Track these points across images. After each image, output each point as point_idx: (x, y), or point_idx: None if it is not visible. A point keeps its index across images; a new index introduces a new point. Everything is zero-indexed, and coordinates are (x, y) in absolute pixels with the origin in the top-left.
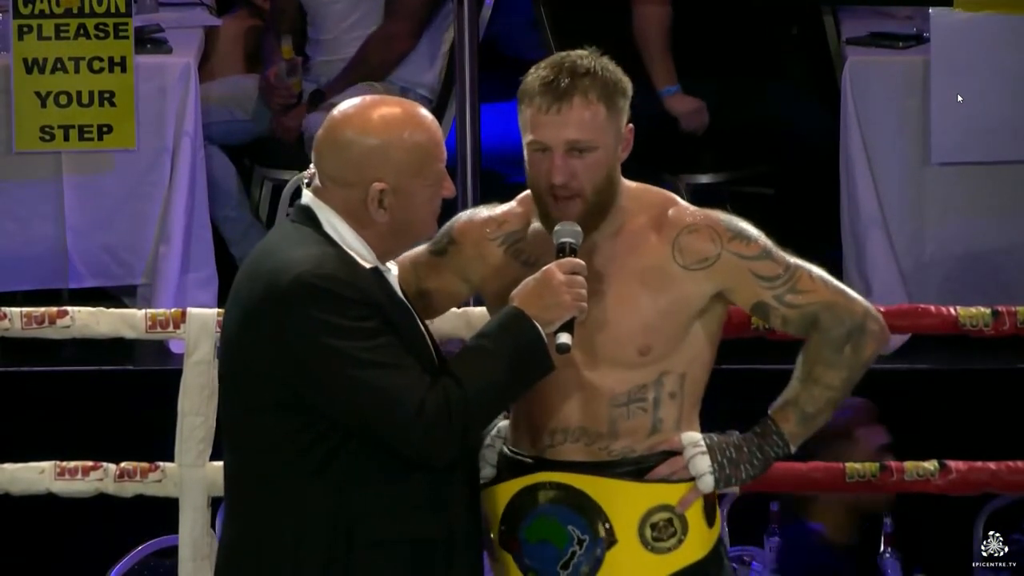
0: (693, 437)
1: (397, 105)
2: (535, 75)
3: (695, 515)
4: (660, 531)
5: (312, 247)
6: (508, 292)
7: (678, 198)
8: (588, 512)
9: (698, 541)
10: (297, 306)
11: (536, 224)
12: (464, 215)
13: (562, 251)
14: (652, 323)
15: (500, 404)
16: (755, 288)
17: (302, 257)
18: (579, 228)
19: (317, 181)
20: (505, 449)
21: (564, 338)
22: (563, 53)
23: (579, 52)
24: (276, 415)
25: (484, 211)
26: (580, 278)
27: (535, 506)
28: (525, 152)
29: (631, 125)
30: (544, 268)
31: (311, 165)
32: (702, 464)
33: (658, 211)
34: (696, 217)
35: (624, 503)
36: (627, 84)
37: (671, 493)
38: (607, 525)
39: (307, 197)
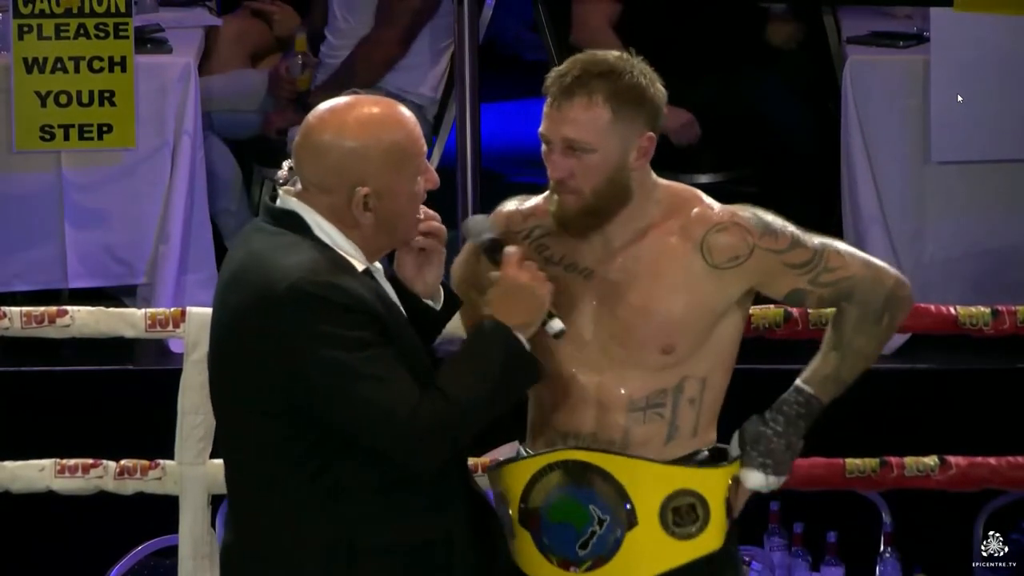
0: (754, 480)
1: (373, 104)
2: (556, 68)
3: (717, 503)
4: (682, 516)
5: (304, 253)
6: None
7: (701, 194)
8: (610, 492)
9: (718, 530)
10: (293, 314)
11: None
12: (502, 206)
13: (492, 249)
14: (676, 321)
15: (489, 414)
16: (789, 278)
17: (296, 263)
18: (482, 216)
19: (299, 185)
20: (522, 450)
21: (556, 324)
22: (594, 51)
23: (610, 52)
24: (273, 421)
25: (515, 203)
26: (532, 263)
27: (557, 485)
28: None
29: (652, 134)
30: (501, 277)
31: (284, 164)
32: (756, 479)
33: (683, 210)
34: (723, 216)
35: (647, 484)
36: (652, 93)
37: (695, 478)
38: (628, 506)
39: (291, 202)
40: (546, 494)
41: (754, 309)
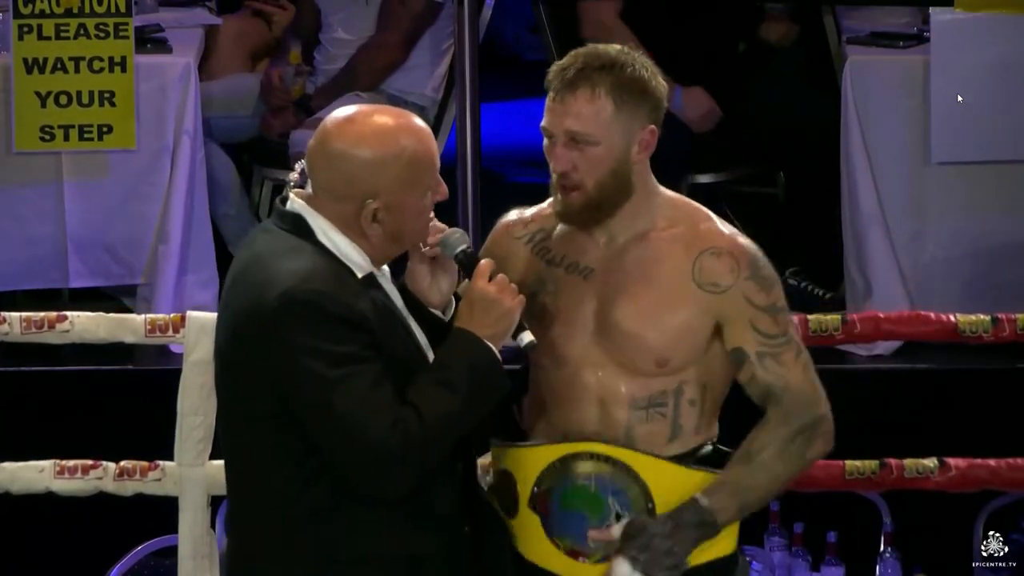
0: (619, 570)
1: (390, 116)
2: (557, 62)
3: None
4: None
5: (303, 259)
6: (534, 291)
7: (715, 217)
8: (633, 488)
9: (731, 534)
10: (281, 323)
11: (561, 223)
12: (504, 217)
13: (465, 262)
14: (670, 338)
15: (458, 431)
16: (746, 335)
17: (291, 271)
18: (460, 232)
19: (309, 189)
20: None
21: (526, 336)
22: (594, 45)
23: (610, 46)
24: (268, 426)
25: (515, 213)
26: (502, 276)
27: (577, 473)
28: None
29: (653, 127)
30: (470, 289)
31: (296, 166)
32: (622, 570)
33: (690, 224)
34: (723, 241)
35: (671, 485)
36: (653, 86)
37: None
38: (650, 505)
39: (297, 204)
40: (563, 481)
41: None
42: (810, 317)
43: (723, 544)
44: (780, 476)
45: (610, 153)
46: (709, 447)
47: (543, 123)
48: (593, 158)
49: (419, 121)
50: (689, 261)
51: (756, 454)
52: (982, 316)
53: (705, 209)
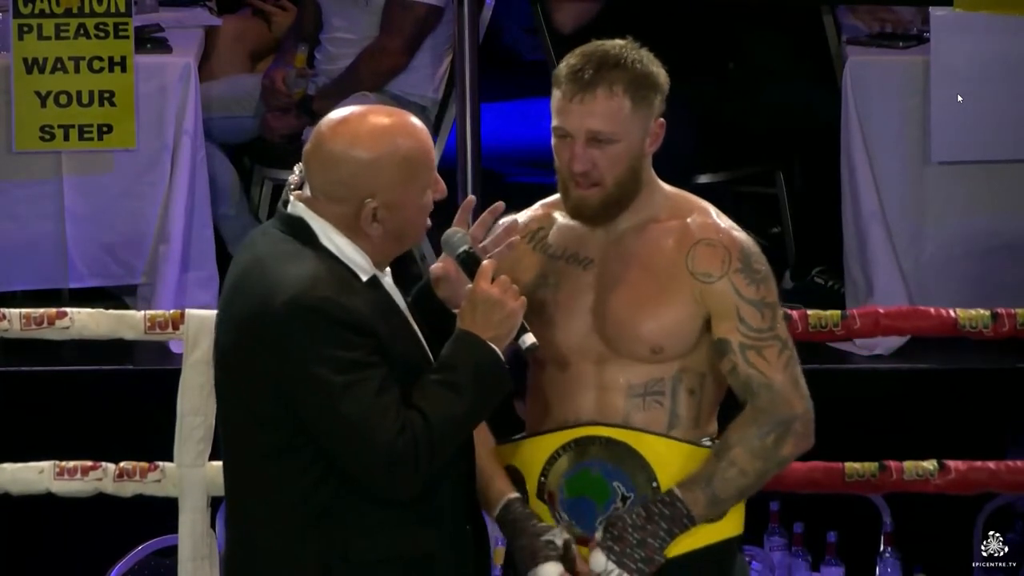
0: (595, 561)
1: (385, 115)
2: (566, 62)
3: None
4: None
5: (307, 263)
6: (537, 286)
7: (714, 210)
8: (636, 469)
9: (736, 518)
10: (288, 330)
11: (559, 217)
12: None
13: (467, 263)
14: (665, 326)
15: (464, 432)
16: (731, 325)
17: (296, 276)
18: (461, 232)
19: (308, 192)
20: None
21: (529, 338)
22: (599, 42)
23: (615, 42)
24: (271, 431)
25: (518, 216)
26: (504, 277)
27: (580, 459)
28: (552, 135)
29: (662, 120)
30: (471, 290)
31: (295, 168)
32: (597, 560)
33: (689, 216)
34: (719, 234)
35: (675, 464)
36: (660, 79)
37: None
38: (654, 484)
39: (299, 208)
40: (567, 469)
41: None
42: (810, 312)
43: (728, 526)
44: (751, 472)
45: (629, 149)
46: (707, 442)
47: (557, 122)
48: (613, 156)
49: (414, 119)
50: (684, 251)
51: (728, 450)
52: (982, 311)
53: (705, 203)
